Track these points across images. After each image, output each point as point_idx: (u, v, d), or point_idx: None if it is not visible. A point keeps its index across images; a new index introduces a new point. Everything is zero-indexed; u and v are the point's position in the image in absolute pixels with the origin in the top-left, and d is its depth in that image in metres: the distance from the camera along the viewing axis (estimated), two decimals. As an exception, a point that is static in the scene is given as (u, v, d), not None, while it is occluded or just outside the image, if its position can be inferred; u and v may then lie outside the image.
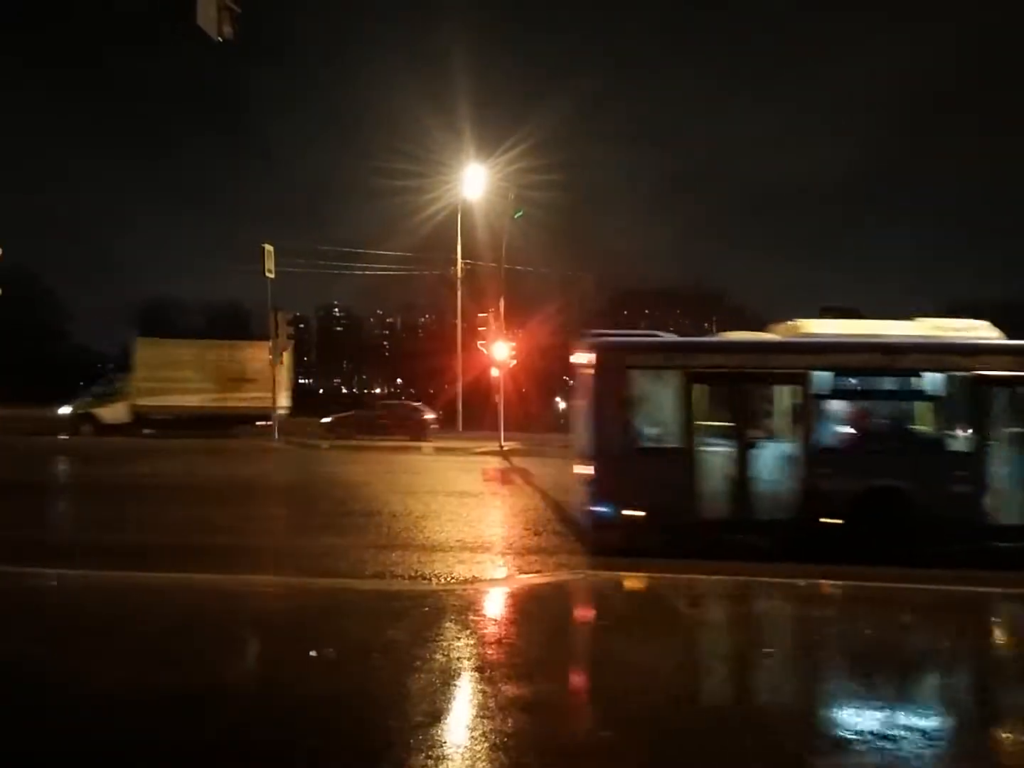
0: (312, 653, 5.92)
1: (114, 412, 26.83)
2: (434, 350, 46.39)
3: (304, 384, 75.76)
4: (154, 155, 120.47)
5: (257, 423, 26.41)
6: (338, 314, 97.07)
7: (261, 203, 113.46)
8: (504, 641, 6.27)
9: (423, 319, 77.86)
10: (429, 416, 29.16)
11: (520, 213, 25.85)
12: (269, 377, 24.94)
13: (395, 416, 28.26)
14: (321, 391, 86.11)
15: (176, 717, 4.59)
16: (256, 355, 26.21)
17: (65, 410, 27.24)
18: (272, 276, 23.92)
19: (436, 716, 4.68)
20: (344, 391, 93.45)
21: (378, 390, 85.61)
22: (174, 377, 26.69)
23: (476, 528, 12.44)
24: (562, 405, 40.48)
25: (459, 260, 29.10)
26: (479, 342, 26.40)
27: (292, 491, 16.96)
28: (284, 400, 27.28)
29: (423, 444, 25.72)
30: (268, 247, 23.66)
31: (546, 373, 44.33)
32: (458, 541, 11.08)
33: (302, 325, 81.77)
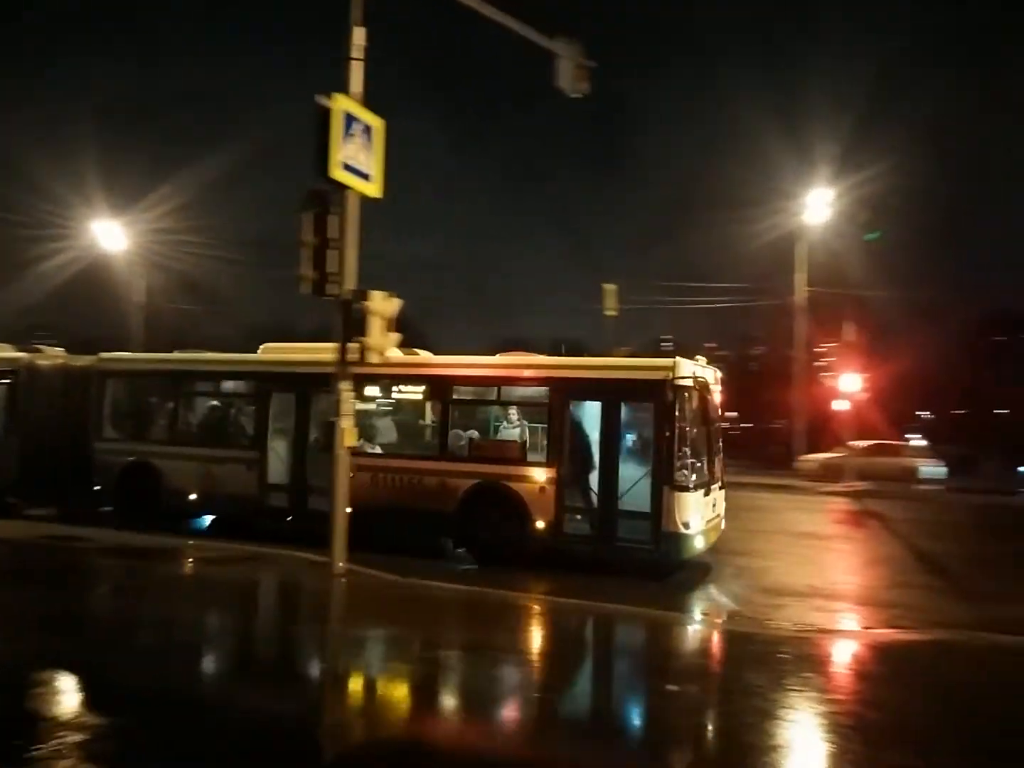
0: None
1: None
2: (770, 383, 44.53)
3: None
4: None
5: None
6: (668, 349, 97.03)
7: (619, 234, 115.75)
8: (868, 700, 5.80)
9: (757, 351, 75.11)
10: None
11: (876, 235, 24.02)
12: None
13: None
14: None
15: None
16: None
17: None
18: (614, 314, 24.82)
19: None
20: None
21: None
22: None
23: (828, 574, 11.66)
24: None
25: (800, 287, 27.76)
26: (824, 374, 24.91)
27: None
28: None
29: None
30: (609, 286, 24.67)
31: (900, 408, 40.43)
32: (808, 586, 10.46)
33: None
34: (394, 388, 12.44)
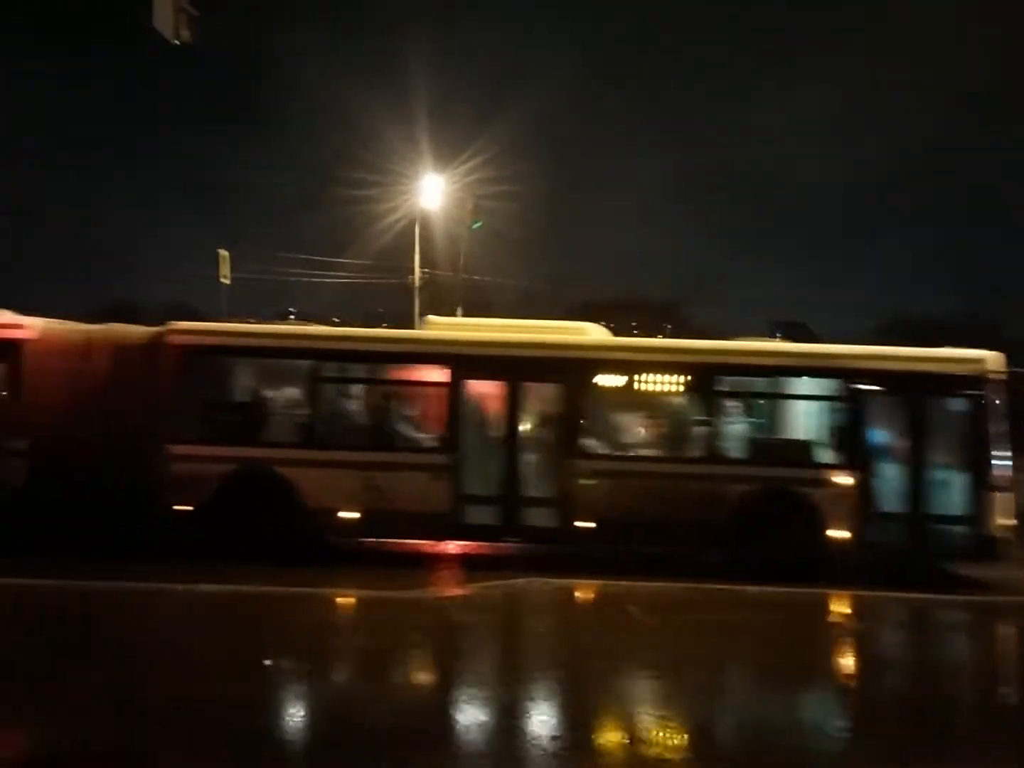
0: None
1: None
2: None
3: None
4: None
5: None
6: (294, 322, 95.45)
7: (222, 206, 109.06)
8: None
9: (382, 328, 77.05)
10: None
11: (478, 224, 25.93)
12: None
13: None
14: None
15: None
16: None
17: None
18: (228, 282, 23.75)
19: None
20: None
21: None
22: None
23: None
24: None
25: (416, 269, 29.12)
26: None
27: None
28: None
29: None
30: (224, 252, 23.48)
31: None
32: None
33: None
34: (641, 378, 10.24)
